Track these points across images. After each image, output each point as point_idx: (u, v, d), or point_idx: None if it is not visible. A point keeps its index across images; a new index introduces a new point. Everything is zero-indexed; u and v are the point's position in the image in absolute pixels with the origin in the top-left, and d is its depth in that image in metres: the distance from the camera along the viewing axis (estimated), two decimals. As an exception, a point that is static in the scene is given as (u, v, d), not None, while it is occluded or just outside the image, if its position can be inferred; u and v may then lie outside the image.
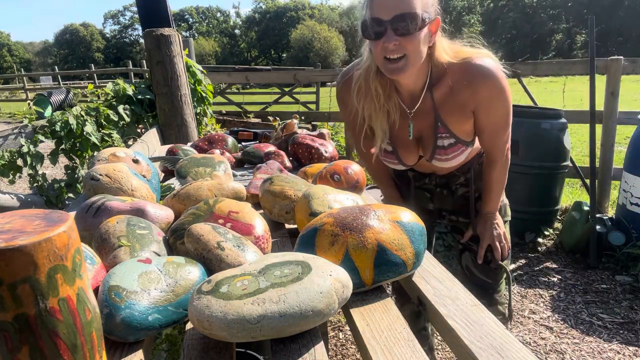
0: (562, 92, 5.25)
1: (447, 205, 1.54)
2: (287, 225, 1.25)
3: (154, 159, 1.83)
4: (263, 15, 66.54)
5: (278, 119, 3.35)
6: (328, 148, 1.88)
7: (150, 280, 0.73)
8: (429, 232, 1.63)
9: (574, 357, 2.12)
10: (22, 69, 35.65)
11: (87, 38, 67.39)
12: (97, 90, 3.58)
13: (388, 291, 1.06)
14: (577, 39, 47.74)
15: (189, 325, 0.76)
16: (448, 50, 1.20)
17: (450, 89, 1.21)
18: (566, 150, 3.27)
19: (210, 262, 0.83)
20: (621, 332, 2.29)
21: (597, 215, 2.97)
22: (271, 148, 1.92)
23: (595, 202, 3.09)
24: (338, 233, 0.86)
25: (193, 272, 0.78)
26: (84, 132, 2.65)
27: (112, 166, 1.24)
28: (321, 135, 2.05)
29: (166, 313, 0.71)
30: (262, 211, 1.29)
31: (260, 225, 0.99)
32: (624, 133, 6.24)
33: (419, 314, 1.66)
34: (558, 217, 3.52)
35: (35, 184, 2.70)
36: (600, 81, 3.31)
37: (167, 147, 2.12)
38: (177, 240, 0.94)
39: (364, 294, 0.87)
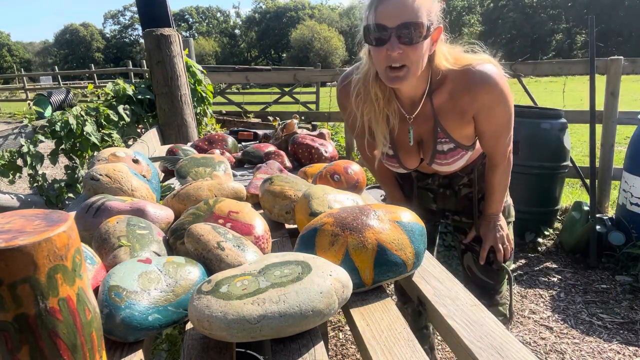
0: (562, 92, 5.25)
1: (450, 206, 1.53)
2: (287, 225, 1.25)
3: (154, 159, 1.83)
4: (263, 15, 66.52)
5: (278, 119, 3.35)
6: (328, 148, 1.88)
7: (150, 280, 0.73)
8: (433, 232, 1.63)
9: (574, 357, 2.11)
10: (22, 69, 35.64)
11: (87, 38, 67.37)
12: (97, 90, 3.59)
13: (388, 291, 1.06)
14: (577, 39, 47.72)
15: (189, 325, 0.76)
16: (449, 56, 1.19)
17: (450, 95, 1.21)
18: (566, 150, 3.26)
19: (210, 262, 0.83)
20: (621, 332, 2.29)
21: (597, 215, 2.97)
22: (271, 148, 1.92)
23: (595, 202, 3.09)
24: (338, 233, 0.86)
25: (193, 272, 0.78)
26: (84, 132, 2.65)
27: (112, 166, 1.24)
28: (321, 135, 2.05)
29: (166, 313, 0.71)
30: (262, 211, 1.29)
31: (260, 225, 0.99)
32: (624, 133, 6.24)
33: (421, 312, 1.65)
34: (558, 217, 3.52)
35: (35, 184, 2.70)
36: (600, 81, 3.31)
37: (167, 147, 2.12)
38: (177, 240, 0.94)
39: (364, 294, 0.87)
